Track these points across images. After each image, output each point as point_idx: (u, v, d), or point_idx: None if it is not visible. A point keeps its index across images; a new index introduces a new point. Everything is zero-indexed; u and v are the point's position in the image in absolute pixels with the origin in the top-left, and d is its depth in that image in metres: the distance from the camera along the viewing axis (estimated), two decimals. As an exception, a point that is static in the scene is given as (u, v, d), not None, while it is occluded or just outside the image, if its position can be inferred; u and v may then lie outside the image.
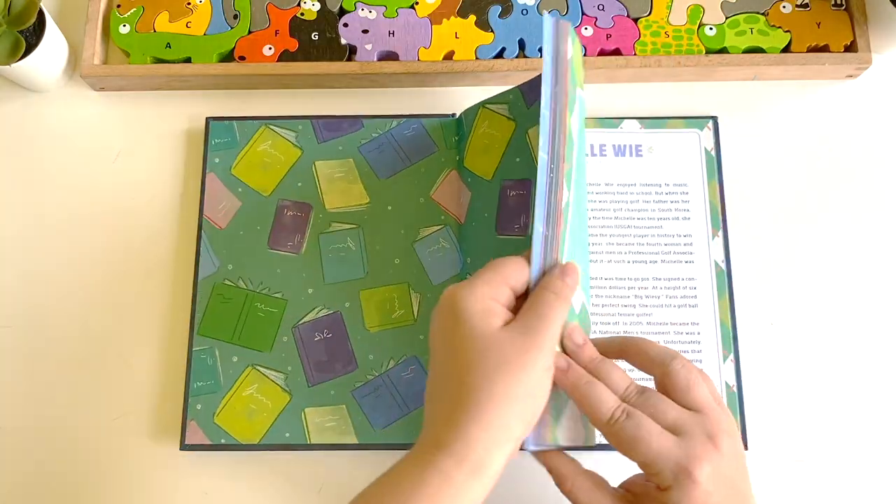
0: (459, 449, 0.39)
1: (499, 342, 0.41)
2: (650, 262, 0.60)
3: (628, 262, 0.60)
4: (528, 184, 0.56)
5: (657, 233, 0.60)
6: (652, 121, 0.64)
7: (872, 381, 0.60)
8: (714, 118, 0.64)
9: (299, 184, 0.63)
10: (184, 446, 0.58)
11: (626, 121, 0.63)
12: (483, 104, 0.61)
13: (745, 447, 0.57)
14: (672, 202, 0.61)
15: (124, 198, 0.65)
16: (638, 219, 0.61)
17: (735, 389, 0.57)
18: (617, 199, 0.61)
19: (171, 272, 0.63)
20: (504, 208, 0.58)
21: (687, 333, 0.58)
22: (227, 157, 0.64)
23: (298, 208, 0.62)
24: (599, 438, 0.46)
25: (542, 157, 0.46)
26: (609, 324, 0.58)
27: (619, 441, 0.42)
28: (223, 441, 0.58)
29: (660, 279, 0.59)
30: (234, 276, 0.61)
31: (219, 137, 0.64)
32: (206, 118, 0.64)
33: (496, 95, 0.61)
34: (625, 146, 0.63)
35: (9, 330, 0.63)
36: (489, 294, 0.43)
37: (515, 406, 0.40)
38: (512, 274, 0.44)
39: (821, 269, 0.62)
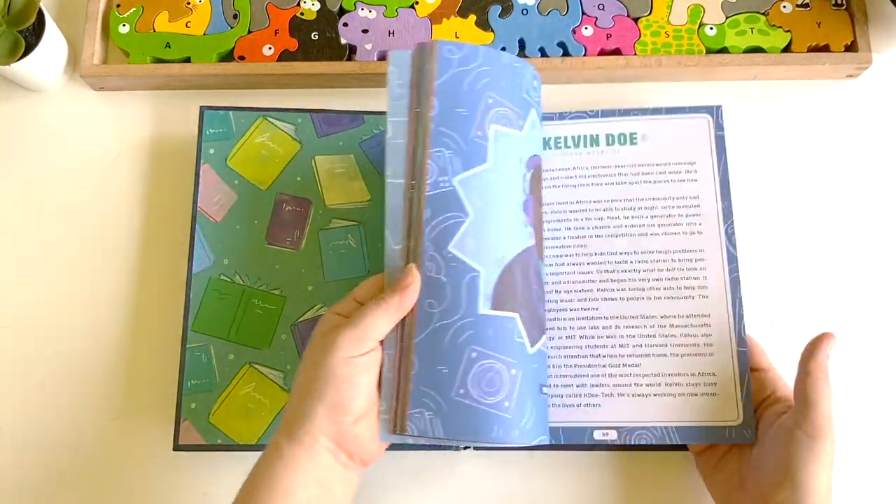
0: (283, 428, 0.48)
1: (312, 344, 0.50)
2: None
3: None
4: (305, 202, 0.60)
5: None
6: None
7: (872, 381, 0.60)
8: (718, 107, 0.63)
9: (298, 178, 0.62)
10: (177, 447, 0.57)
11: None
12: (264, 115, 0.63)
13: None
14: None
15: (124, 198, 0.65)
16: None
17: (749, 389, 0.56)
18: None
19: (165, 266, 0.63)
20: (276, 219, 0.61)
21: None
22: (223, 147, 0.63)
23: (298, 203, 0.61)
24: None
25: (396, 182, 0.52)
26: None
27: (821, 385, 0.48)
28: (219, 441, 0.57)
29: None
30: (230, 271, 0.60)
31: (213, 127, 0.63)
32: (201, 107, 0.63)
33: (279, 111, 0.63)
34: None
35: (7, 330, 0.63)
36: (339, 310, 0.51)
37: (313, 391, 0.47)
38: (360, 290, 0.52)
39: (821, 270, 0.62)
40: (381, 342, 0.50)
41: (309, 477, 0.47)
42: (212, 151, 0.63)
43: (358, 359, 0.48)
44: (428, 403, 0.49)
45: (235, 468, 0.57)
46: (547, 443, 0.53)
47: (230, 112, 0.63)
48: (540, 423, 0.51)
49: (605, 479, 0.58)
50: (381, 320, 0.49)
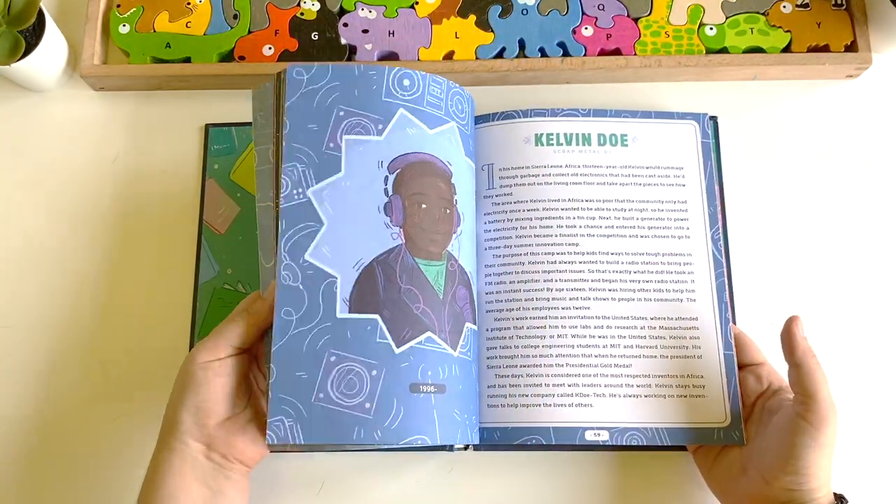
0: (159, 439, 0.51)
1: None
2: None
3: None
4: None
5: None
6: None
7: (872, 382, 0.60)
8: (714, 118, 0.64)
9: None
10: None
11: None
12: None
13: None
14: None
15: (124, 198, 0.66)
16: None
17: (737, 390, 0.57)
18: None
19: (172, 275, 0.63)
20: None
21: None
22: (226, 163, 0.65)
23: None
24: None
25: (263, 205, 0.54)
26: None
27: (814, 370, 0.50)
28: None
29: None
30: (233, 280, 0.62)
31: (218, 143, 0.65)
32: (206, 124, 0.65)
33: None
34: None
35: (9, 330, 0.63)
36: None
37: (178, 398, 0.51)
38: (237, 308, 0.54)
39: (821, 270, 0.62)
40: (259, 352, 0.54)
41: (188, 479, 0.49)
42: (216, 167, 0.64)
43: (213, 363, 0.50)
44: (287, 410, 0.50)
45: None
46: (428, 444, 0.52)
47: (233, 128, 0.65)
48: (414, 422, 0.51)
49: (600, 478, 0.59)
50: (234, 326, 0.52)
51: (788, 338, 0.51)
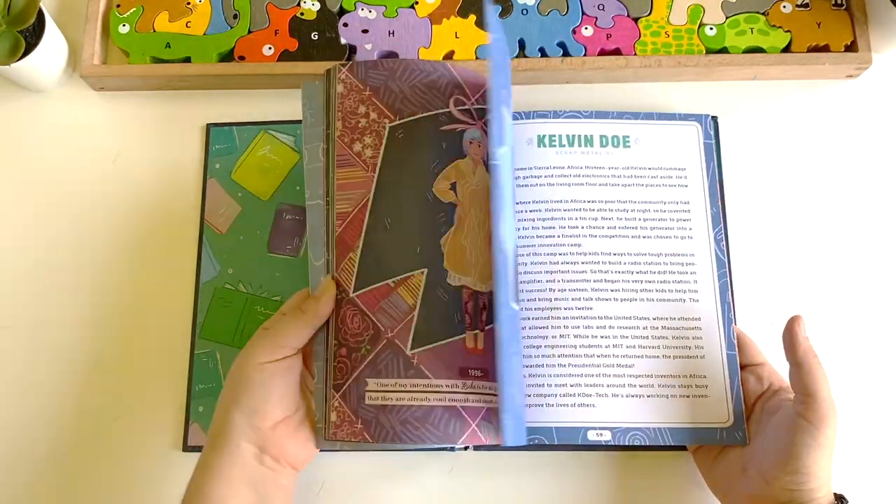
0: (208, 441, 0.50)
1: (236, 357, 0.51)
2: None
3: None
4: (304, 210, 0.59)
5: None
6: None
7: (871, 382, 0.60)
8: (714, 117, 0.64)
9: (298, 187, 0.63)
10: (187, 448, 0.58)
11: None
12: (265, 129, 0.64)
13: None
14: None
15: (124, 198, 0.66)
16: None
17: (740, 389, 0.57)
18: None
19: (173, 275, 0.63)
20: (276, 229, 0.63)
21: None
22: (227, 162, 0.64)
23: (297, 212, 0.63)
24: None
25: (313, 203, 0.54)
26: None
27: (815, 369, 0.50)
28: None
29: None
30: (234, 280, 0.62)
31: (219, 143, 0.65)
32: (207, 124, 0.65)
33: (280, 123, 0.66)
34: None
35: (9, 330, 0.63)
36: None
37: (232, 398, 0.49)
38: (287, 305, 0.53)
39: (821, 269, 0.63)
40: (307, 351, 0.53)
41: (238, 483, 0.48)
42: (217, 166, 0.64)
43: (271, 364, 0.49)
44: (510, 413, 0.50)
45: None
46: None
47: (234, 128, 0.65)
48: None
49: (602, 478, 0.59)
50: (296, 328, 0.51)
51: (790, 337, 0.51)
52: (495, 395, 0.52)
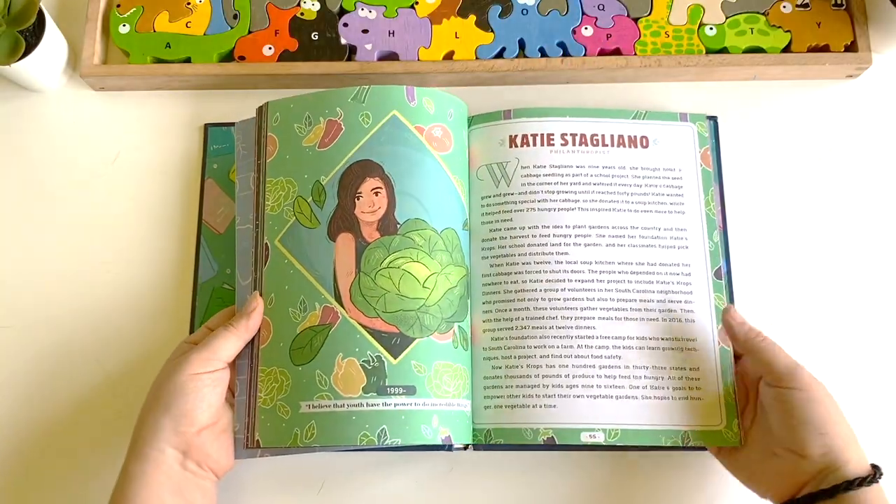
0: (129, 451, 0.52)
1: (162, 369, 0.54)
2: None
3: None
4: None
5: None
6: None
7: (871, 382, 0.60)
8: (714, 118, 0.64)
9: None
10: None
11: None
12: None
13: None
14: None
15: (124, 198, 0.66)
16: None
17: (732, 391, 0.57)
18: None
19: (172, 275, 0.63)
20: None
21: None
22: (226, 162, 0.64)
23: None
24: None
25: (243, 227, 0.58)
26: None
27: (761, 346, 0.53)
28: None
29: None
30: (232, 280, 0.61)
31: (217, 143, 0.65)
32: (205, 124, 0.65)
33: None
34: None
35: (9, 330, 0.63)
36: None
37: (160, 405, 0.51)
38: (213, 320, 0.57)
39: (821, 270, 0.63)
40: (232, 365, 0.55)
41: (162, 489, 0.50)
42: (215, 166, 0.64)
43: (205, 375, 0.52)
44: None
45: (241, 467, 0.58)
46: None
47: (232, 128, 0.65)
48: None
49: (599, 479, 0.59)
50: (229, 342, 0.54)
51: (728, 329, 0.55)
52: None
